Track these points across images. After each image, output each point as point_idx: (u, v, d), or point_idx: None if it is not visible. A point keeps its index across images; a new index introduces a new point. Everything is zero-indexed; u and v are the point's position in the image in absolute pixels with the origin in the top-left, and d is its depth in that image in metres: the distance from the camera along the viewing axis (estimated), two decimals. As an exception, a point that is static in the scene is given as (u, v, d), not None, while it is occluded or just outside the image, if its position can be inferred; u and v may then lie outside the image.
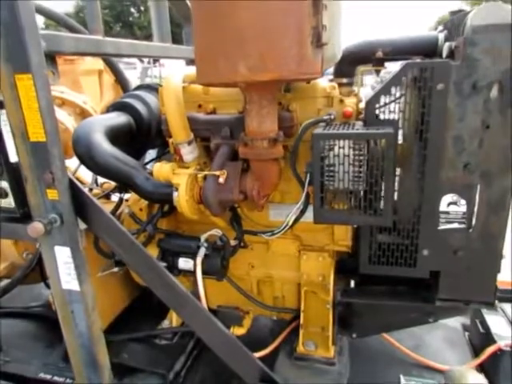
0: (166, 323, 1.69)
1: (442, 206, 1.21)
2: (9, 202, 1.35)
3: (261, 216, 1.52)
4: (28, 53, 1.08)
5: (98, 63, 2.31)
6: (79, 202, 1.25)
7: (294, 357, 1.51)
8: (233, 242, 1.49)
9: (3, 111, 1.27)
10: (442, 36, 1.28)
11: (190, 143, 1.36)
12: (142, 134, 1.62)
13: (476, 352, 1.62)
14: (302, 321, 1.51)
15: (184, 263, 1.49)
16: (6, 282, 1.82)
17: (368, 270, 1.34)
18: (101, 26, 1.43)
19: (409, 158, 1.20)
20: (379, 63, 1.33)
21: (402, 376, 1.50)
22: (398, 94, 1.15)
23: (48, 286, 1.96)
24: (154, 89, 1.75)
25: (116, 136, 1.45)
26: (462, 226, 1.21)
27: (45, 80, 1.13)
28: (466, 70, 1.08)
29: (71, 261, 1.32)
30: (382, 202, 1.17)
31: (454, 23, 1.22)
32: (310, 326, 1.52)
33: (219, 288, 1.62)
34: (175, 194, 1.35)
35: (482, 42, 1.05)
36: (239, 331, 1.60)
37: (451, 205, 1.21)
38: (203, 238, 1.44)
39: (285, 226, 1.32)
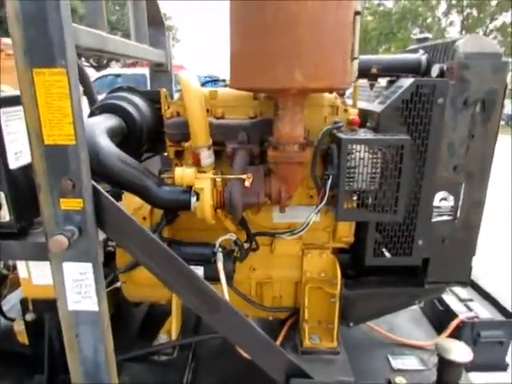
0: (163, 337, 1.60)
1: (435, 202, 1.44)
2: (2, 215, 1.15)
3: (264, 219, 1.57)
4: (64, 45, 0.97)
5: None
6: (101, 211, 1.14)
7: (301, 351, 1.57)
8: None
9: (8, 109, 1.10)
10: (424, 58, 1.51)
11: (209, 148, 1.35)
12: (134, 138, 1.53)
13: (436, 328, 1.90)
14: (306, 316, 1.59)
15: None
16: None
17: (373, 262, 1.49)
18: (105, 22, 1.32)
19: (411, 161, 1.39)
20: (373, 78, 1.52)
21: (389, 356, 1.69)
22: (405, 107, 1.33)
23: (6, 318, 1.70)
24: (137, 91, 1.66)
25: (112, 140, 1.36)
26: (450, 218, 1.45)
27: (76, 76, 1.02)
28: (459, 89, 1.31)
29: (83, 278, 1.19)
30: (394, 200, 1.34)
31: (437, 48, 1.47)
32: (314, 320, 1.61)
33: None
34: (193, 199, 1.33)
35: (473, 66, 1.30)
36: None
37: (442, 200, 1.43)
38: (218, 243, 1.43)
39: (305, 226, 1.40)
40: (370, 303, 1.62)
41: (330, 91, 1.36)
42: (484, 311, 1.81)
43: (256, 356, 1.30)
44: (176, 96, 1.62)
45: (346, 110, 1.46)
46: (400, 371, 1.61)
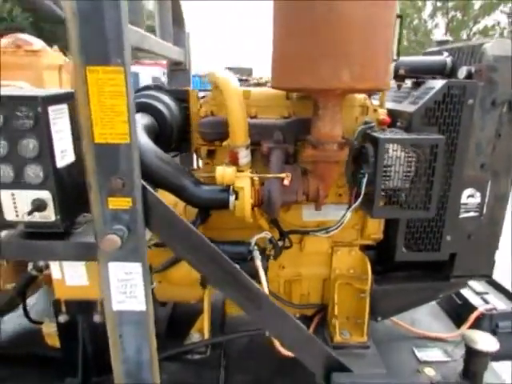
0: (196, 336, 1.61)
1: (462, 199, 1.49)
2: (45, 215, 1.14)
3: (294, 217, 1.60)
4: (120, 44, 0.98)
5: (60, 57, 2.06)
6: (148, 210, 1.15)
7: (332, 346, 1.61)
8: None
9: (55, 107, 1.10)
10: (449, 60, 1.57)
11: (247, 147, 1.37)
12: (164, 137, 1.54)
13: (454, 321, 1.96)
14: (336, 312, 1.62)
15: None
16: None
17: (403, 258, 1.54)
18: (144, 19, 1.33)
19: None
20: (401, 79, 1.56)
21: (414, 348, 1.74)
22: (437, 107, 1.38)
23: (31, 321, 1.67)
24: (164, 90, 1.66)
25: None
26: (476, 214, 1.51)
27: (130, 74, 1.02)
28: (488, 90, 1.37)
29: (129, 278, 1.20)
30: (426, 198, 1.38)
31: (462, 51, 1.52)
32: (343, 315, 1.65)
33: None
34: (232, 198, 1.34)
35: (501, 69, 1.35)
36: (273, 332, 1.62)
37: (469, 197, 1.49)
38: (254, 241, 1.44)
39: (340, 224, 1.43)
40: (397, 298, 1.67)
41: (372, 92, 1.40)
42: (500, 303, 1.88)
43: (297, 351, 1.33)
44: (207, 95, 1.63)
45: (375, 110, 1.50)
46: (426, 363, 1.65)
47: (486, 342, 1.52)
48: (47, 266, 1.56)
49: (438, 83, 1.38)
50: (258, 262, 1.39)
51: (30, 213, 1.10)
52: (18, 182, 1.10)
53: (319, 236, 1.58)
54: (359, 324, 1.64)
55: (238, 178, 1.31)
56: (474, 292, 1.99)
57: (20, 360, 1.60)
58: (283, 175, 1.33)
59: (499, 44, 1.37)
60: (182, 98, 1.65)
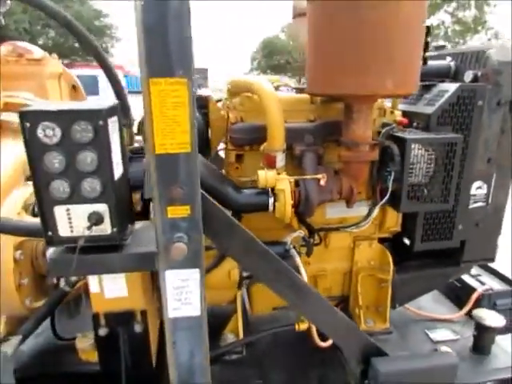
0: (230, 337, 1.64)
1: (472, 190, 1.64)
2: (101, 228, 1.13)
3: (318, 215, 1.67)
4: (182, 55, 0.99)
5: (59, 65, 1.99)
6: (205, 216, 1.17)
7: (358, 335, 1.70)
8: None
9: (112, 119, 1.08)
10: (453, 64, 1.71)
11: (284, 151, 1.42)
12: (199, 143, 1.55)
13: (455, 303, 2.14)
14: (360, 302, 1.72)
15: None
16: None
17: (420, 248, 1.66)
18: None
19: (455, 156, 1.58)
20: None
21: (426, 331, 1.89)
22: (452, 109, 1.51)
23: (60, 338, 1.62)
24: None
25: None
26: (483, 204, 1.66)
27: (192, 85, 1.04)
28: (494, 92, 1.52)
29: (184, 285, 1.22)
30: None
31: (466, 56, 1.66)
32: (367, 305, 1.75)
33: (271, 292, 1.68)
34: (271, 200, 1.40)
35: (505, 73, 1.50)
36: (303, 326, 1.69)
37: (478, 189, 1.64)
38: (290, 240, 1.50)
39: (369, 220, 1.53)
40: (412, 285, 1.80)
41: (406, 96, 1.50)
42: (494, 283, 2.08)
43: (339, 339, 1.41)
44: (227, 101, 1.66)
45: (392, 112, 1.61)
46: (440, 342, 1.80)
47: (493, 318, 1.69)
48: (78, 281, 1.53)
49: (451, 86, 1.51)
50: (298, 260, 1.46)
51: (89, 227, 1.08)
52: (74, 197, 1.08)
53: (342, 232, 1.67)
54: (380, 312, 1.75)
55: (278, 180, 1.36)
56: (469, 275, 2.18)
57: (52, 380, 1.55)
58: (320, 176, 1.40)
59: (502, 50, 1.53)
60: (201, 105, 1.67)
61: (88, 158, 1.06)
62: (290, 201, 1.37)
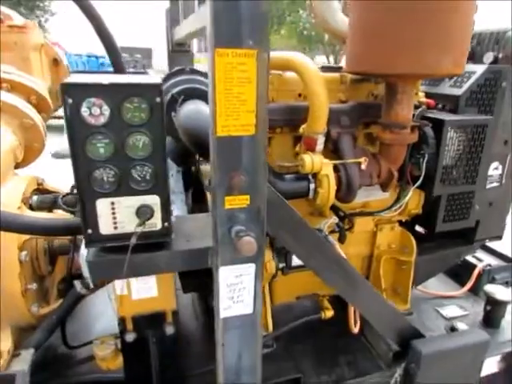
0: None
1: (489, 171, 1.68)
2: (151, 223, 0.98)
3: (344, 200, 1.63)
4: (254, 22, 0.86)
5: (40, 34, 1.73)
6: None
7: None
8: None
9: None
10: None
11: (325, 134, 1.34)
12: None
13: (456, 281, 2.22)
14: (383, 285, 1.72)
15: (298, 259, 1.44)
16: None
17: (442, 229, 1.68)
18: None
19: (477, 138, 1.60)
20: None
21: (437, 308, 1.94)
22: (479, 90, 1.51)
23: (70, 347, 1.45)
24: (202, 73, 1.52)
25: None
26: (498, 184, 1.71)
27: (266, 60, 0.92)
28: (515, 74, 1.54)
29: (238, 282, 1.11)
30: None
31: (482, 38, 1.67)
32: (389, 287, 1.76)
33: (296, 280, 1.62)
34: (312, 185, 1.32)
35: (526, 55, 1.53)
36: (329, 313, 1.66)
37: (494, 170, 1.68)
38: (325, 227, 1.44)
39: (403, 203, 1.50)
40: (430, 266, 1.82)
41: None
42: (491, 260, 2.19)
43: (381, 323, 1.39)
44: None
45: (416, 94, 1.58)
46: (453, 318, 1.86)
47: (503, 293, 1.77)
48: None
49: (478, 68, 1.51)
50: (337, 247, 1.40)
51: (143, 223, 0.93)
52: (121, 189, 0.92)
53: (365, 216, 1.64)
54: (400, 293, 1.76)
55: (324, 165, 1.29)
56: (467, 252, 2.28)
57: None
58: (361, 159, 1.34)
59: (522, 33, 1.55)
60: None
61: (140, 142, 0.90)
62: (334, 186, 1.31)
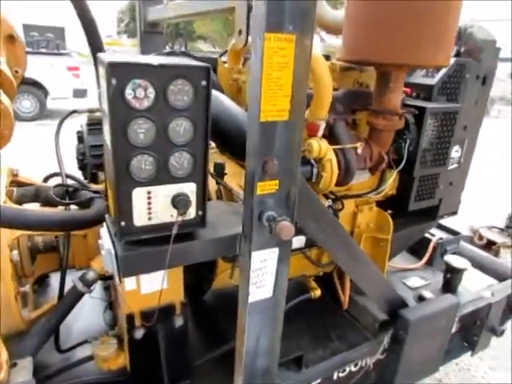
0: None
1: (451, 154, 1.87)
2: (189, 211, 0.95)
3: (331, 184, 1.70)
4: (297, 6, 0.87)
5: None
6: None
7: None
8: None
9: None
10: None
11: (326, 120, 1.38)
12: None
13: (413, 254, 2.45)
14: (364, 262, 1.84)
15: (297, 241, 1.49)
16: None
17: (413, 207, 1.84)
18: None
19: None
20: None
21: (403, 280, 2.14)
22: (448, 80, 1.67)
23: (61, 351, 1.34)
24: (193, 57, 1.46)
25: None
26: (457, 165, 1.92)
27: (309, 45, 0.92)
28: (476, 67, 1.73)
29: (262, 266, 1.13)
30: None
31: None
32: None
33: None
34: (315, 170, 1.37)
35: (486, 50, 1.72)
36: (317, 293, 1.74)
37: (455, 152, 1.88)
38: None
39: (386, 185, 1.62)
40: (399, 242, 1.99)
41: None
42: (442, 234, 2.45)
43: (375, 294, 1.51)
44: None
45: (395, 82, 1.70)
46: (418, 288, 2.06)
47: (460, 262, 2.01)
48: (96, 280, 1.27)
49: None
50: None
51: (183, 212, 0.89)
52: (159, 176, 0.87)
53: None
54: (384, 268, 1.90)
55: (329, 150, 1.33)
56: (419, 228, 2.51)
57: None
58: (358, 144, 1.41)
59: (481, 29, 1.74)
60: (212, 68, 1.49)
61: (181, 128, 0.86)
62: (337, 171, 1.36)
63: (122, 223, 0.88)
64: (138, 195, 0.87)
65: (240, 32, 1.21)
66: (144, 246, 0.92)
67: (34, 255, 1.37)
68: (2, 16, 1.57)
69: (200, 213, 0.97)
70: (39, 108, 9.06)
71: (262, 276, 1.14)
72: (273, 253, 1.11)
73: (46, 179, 1.54)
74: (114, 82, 0.75)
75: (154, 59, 0.80)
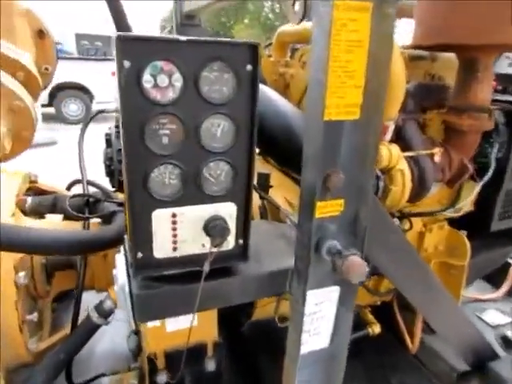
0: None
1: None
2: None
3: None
4: None
5: (24, -1, 1.38)
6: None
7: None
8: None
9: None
10: None
11: (395, 120, 1.11)
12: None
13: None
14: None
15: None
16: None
17: (497, 227, 1.51)
18: None
19: None
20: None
21: (478, 314, 1.80)
22: None
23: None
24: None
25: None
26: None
27: (392, 20, 0.66)
28: None
29: (317, 310, 0.87)
30: None
31: None
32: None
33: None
34: (381, 183, 1.10)
35: None
36: (376, 329, 1.47)
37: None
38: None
39: (468, 200, 1.31)
40: (476, 270, 1.66)
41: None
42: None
43: (456, 339, 1.21)
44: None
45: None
46: (499, 326, 1.72)
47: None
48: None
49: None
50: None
51: (220, 242, 0.66)
52: (187, 194, 0.65)
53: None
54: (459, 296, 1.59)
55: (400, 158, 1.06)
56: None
57: None
58: (435, 150, 1.13)
59: None
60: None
61: (219, 129, 0.63)
62: (409, 184, 1.09)
63: (139, 254, 0.66)
64: (160, 219, 0.65)
65: (294, 3, 0.95)
66: (166, 284, 0.70)
67: (51, 272, 1.20)
68: (31, 9, 1.44)
69: (241, 242, 0.73)
70: (85, 111, 9.38)
71: (317, 321, 0.89)
72: (332, 292, 0.86)
73: (69, 187, 1.38)
74: (126, 64, 0.54)
75: (182, 37, 0.58)
